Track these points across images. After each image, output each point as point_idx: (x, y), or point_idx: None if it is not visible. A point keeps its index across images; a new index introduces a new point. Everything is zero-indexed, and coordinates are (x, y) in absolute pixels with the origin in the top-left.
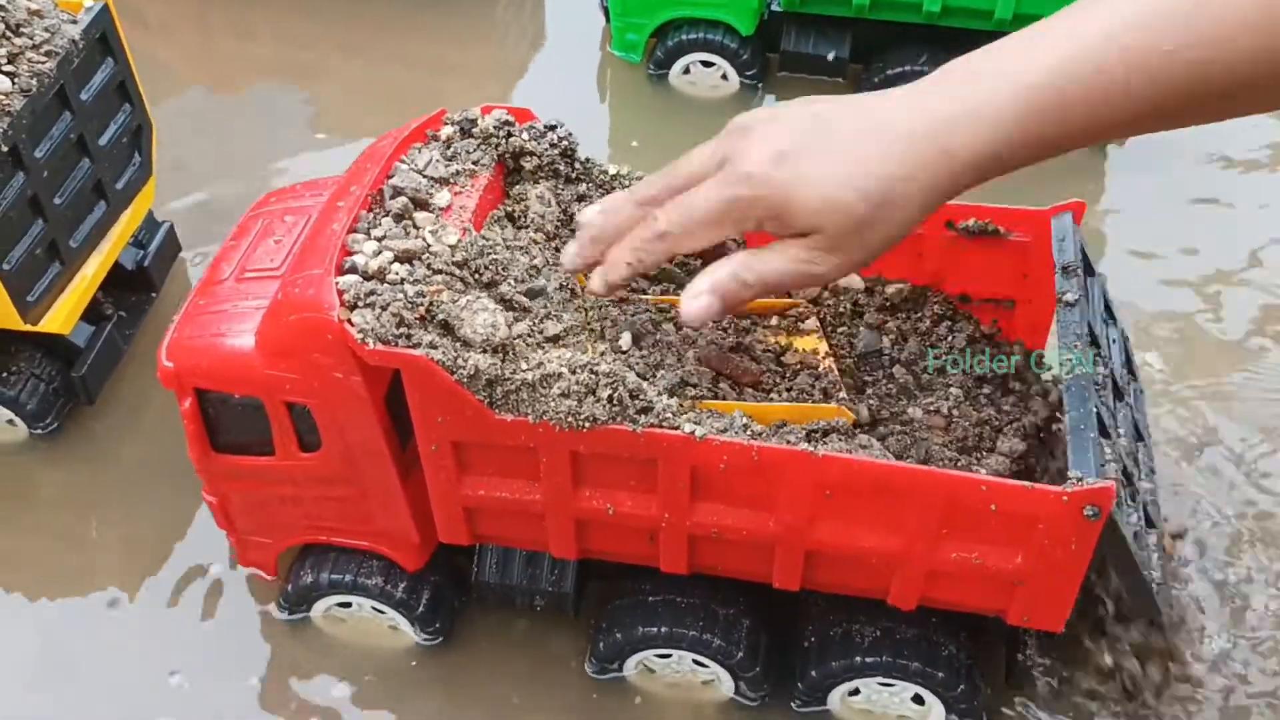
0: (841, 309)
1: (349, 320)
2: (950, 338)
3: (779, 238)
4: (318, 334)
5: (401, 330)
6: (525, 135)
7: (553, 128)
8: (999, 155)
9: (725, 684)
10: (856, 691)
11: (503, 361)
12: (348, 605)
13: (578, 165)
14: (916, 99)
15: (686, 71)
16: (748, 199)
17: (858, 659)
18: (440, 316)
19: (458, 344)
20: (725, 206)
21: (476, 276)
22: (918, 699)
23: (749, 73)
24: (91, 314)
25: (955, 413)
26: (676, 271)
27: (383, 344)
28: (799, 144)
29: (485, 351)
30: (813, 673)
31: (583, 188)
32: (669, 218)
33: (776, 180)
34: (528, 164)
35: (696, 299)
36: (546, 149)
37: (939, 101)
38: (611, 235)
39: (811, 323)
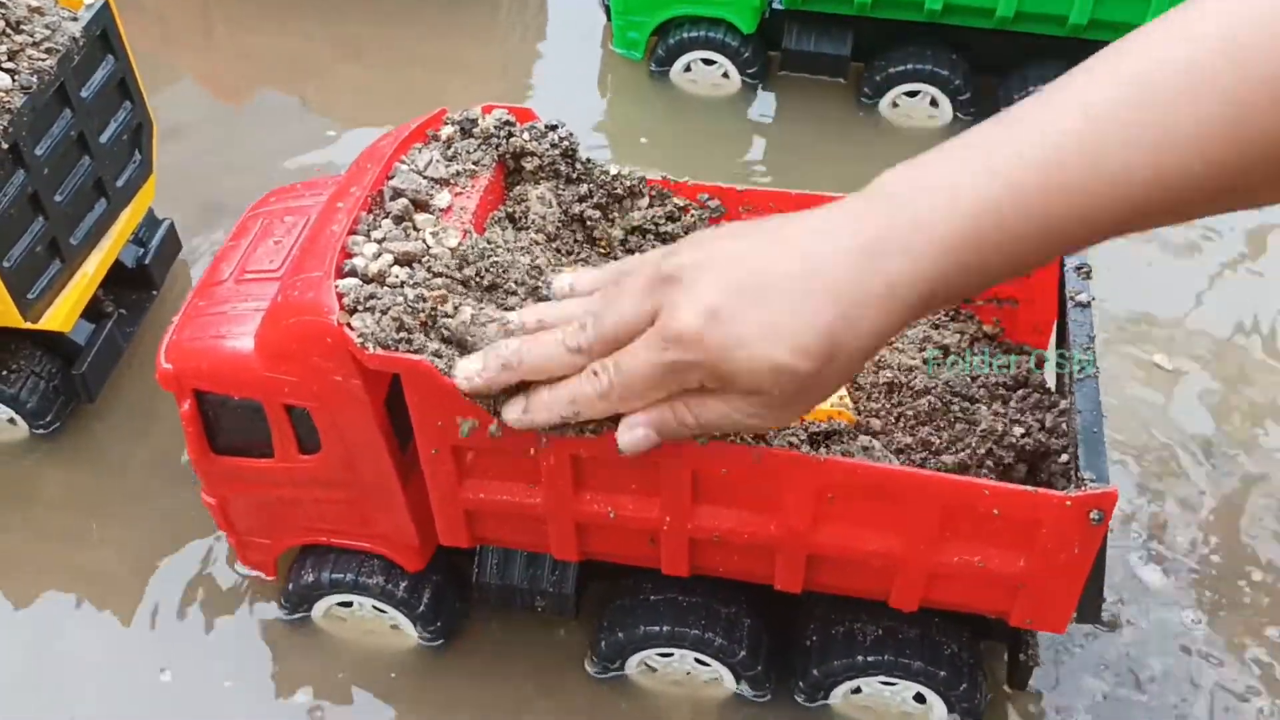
0: None
1: (349, 324)
2: (954, 338)
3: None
4: (317, 338)
5: (402, 335)
6: (526, 135)
7: (553, 128)
8: (949, 282)
9: (727, 682)
10: (859, 689)
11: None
12: (348, 605)
13: (578, 166)
14: (850, 226)
15: (688, 69)
16: (684, 363)
17: (860, 658)
18: (450, 335)
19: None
20: (663, 371)
21: (477, 280)
22: (919, 697)
23: (750, 71)
24: (92, 312)
25: (949, 415)
26: None
27: (383, 348)
28: (730, 300)
29: None
30: (815, 671)
31: (584, 188)
32: (610, 380)
33: (711, 344)
34: (528, 164)
35: (633, 430)
36: (547, 149)
37: (875, 229)
38: (529, 371)
39: None
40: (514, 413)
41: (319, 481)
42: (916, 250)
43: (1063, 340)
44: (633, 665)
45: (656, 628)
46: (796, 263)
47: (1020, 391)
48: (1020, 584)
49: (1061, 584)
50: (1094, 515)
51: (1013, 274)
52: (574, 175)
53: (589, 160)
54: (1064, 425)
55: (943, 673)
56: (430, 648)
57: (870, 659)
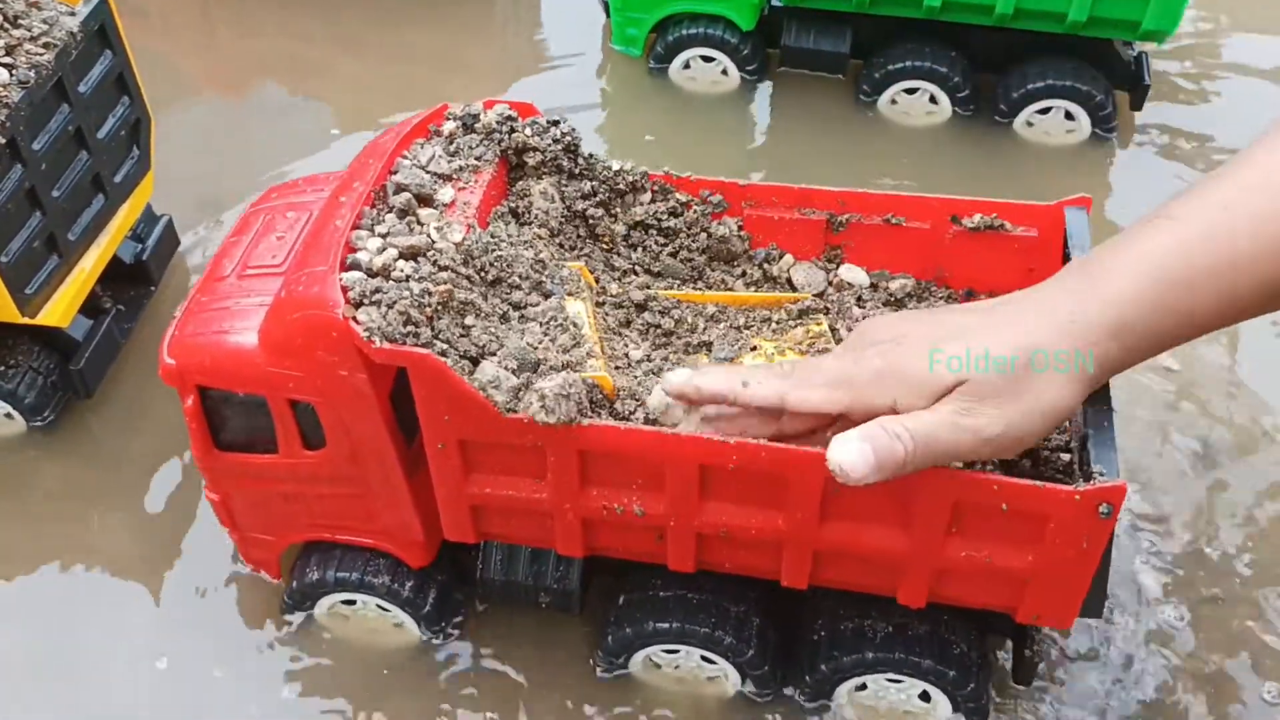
0: (845, 304)
1: (354, 318)
2: None
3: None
4: (322, 332)
5: (409, 328)
6: (528, 130)
7: (555, 123)
8: (1125, 328)
9: (732, 680)
10: (863, 687)
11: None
12: (352, 603)
13: (580, 161)
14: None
15: (687, 67)
16: (870, 371)
17: (869, 654)
18: (466, 349)
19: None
20: (848, 370)
21: (482, 275)
22: (924, 695)
23: (749, 68)
24: (90, 307)
25: None
26: (680, 267)
27: (389, 342)
28: (922, 329)
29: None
30: (823, 667)
31: (586, 185)
32: (790, 367)
33: (894, 358)
34: (530, 159)
35: (847, 446)
36: (549, 144)
37: (1068, 287)
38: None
39: (819, 328)
40: (680, 376)
41: (323, 477)
42: (1111, 290)
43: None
44: (637, 662)
45: (666, 624)
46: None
47: None
48: (1028, 579)
49: (1069, 579)
50: (1103, 509)
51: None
52: (576, 171)
53: (591, 155)
54: (1066, 423)
55: (952, 672)
56: (433, 646)
57: (880, 656)
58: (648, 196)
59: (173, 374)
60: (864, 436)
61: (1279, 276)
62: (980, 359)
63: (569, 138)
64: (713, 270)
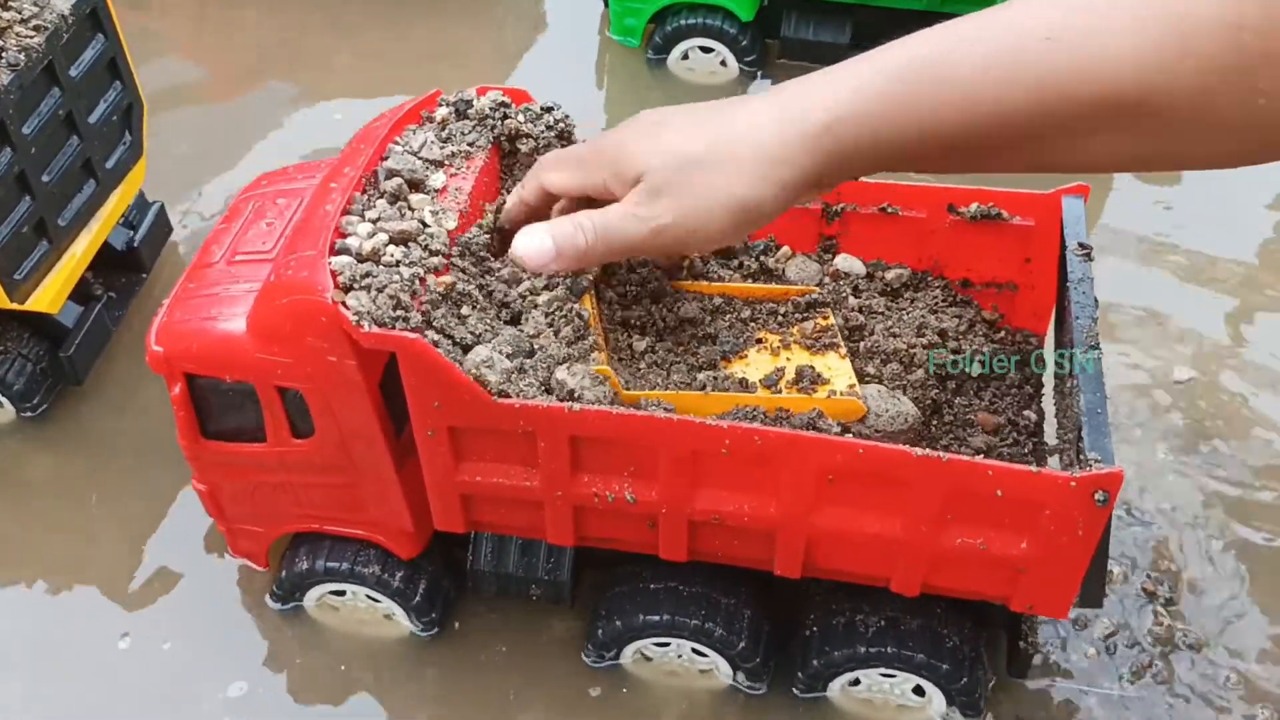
0: (841, 294)
1: (343, 303)
2: (952, 323)
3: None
4: (311, 317)
5: (398, 313)
6: (521, 117)
7: (549, 109)
8: (837, 130)
9: (723, 672)
10: (857, 681)
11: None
12: (341, 594)
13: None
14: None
15: (685, 57)
16: (594, 150)
17: (861, 649)
18: (461, 336)
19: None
20: (578, 157)
21: (480, 266)
22: (918, 690)
23: (748, 59)
24: (80, 294)
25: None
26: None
27: (379, 326)
28: (654, 120)
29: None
30: (815, 662)
31: None
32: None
33: (619, 138)
34: (523, 146)
35: (531, 235)
36: (543, 131)
37: (783, 95)
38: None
39: (826, 322)
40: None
41: (312, 466)
42: (821, 96)
43: (1062, 325)
44: (628, 655)
45: (656, 616)
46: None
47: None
48: (1022, 567)
49: (1064, 567)
50: (1099, 496)
51: (887, 158)
52: None
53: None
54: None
55: (945, 665)
56: (424, 638)
57: (872, 650)
58: None
59: (160, 361)
60: (548, 228)
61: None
62: (663, 152)
63: (562, 124)
64: (707, 264)
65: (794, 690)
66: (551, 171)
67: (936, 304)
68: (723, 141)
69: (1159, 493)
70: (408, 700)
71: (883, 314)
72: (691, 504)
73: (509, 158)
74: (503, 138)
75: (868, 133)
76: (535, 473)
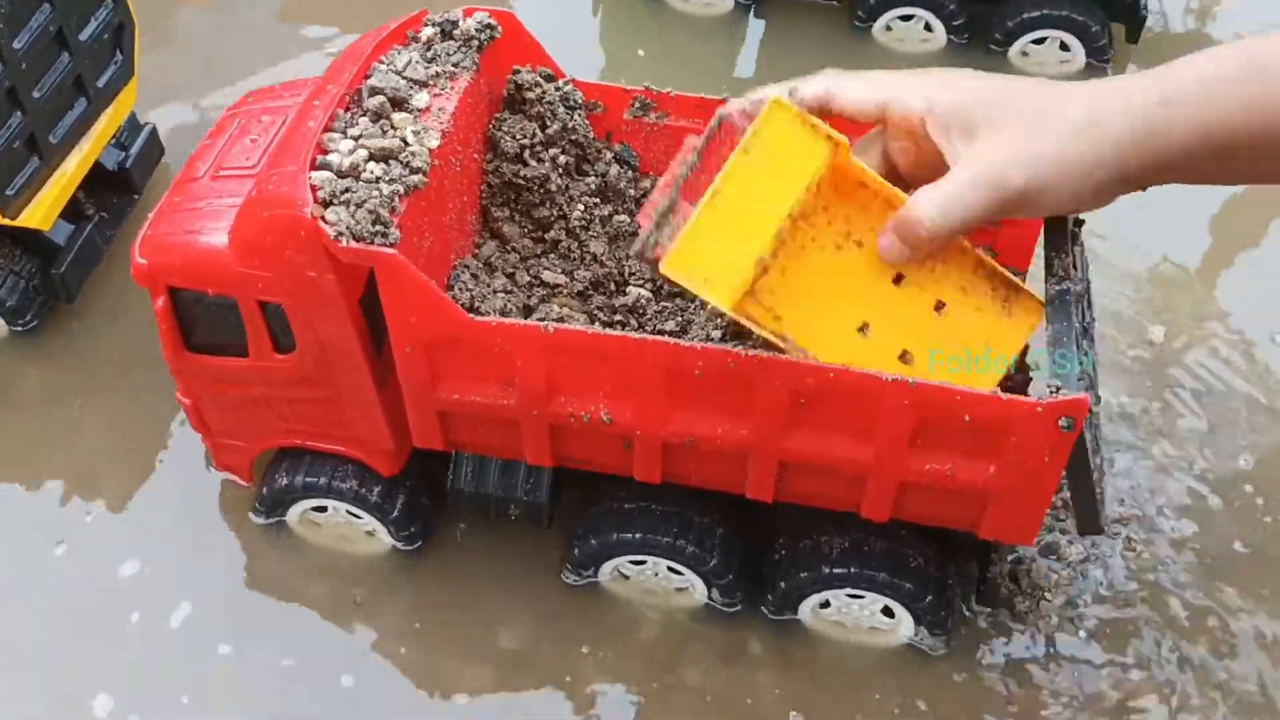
0: None
1: (323, 217)
2: None
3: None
4: (291, 231)
5: (377, 228)
6: (531, 76)
7: (551, 79)
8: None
9: (699, 591)
10: (827, 604)
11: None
12: (323, 510)
13: (570, 118)
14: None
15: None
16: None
17: (826, 570)
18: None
19: None
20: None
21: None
22: (888, 612)
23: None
24: (72, 213)
25: None
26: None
27: (357, 241)
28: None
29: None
30: (782, 584)
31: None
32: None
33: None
34: (530, 94)
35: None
36: (552, 91)
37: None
38: None
39: None
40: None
41: (294, 381)
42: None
43: (1049, 258)
44: (606, 572)
45: (630, 535)
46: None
47: None
48: (989, 494)
49: (1030, 494)
50: (1063, 422)
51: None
52: (557, 129)
53: (580, 111)
54: None
55: (908, 585)
56: (405, 554)
57: (836, 571)
58: (614, 169)
59: (144, 274)
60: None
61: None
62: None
63: (567, 92)
64: None
65: (765, 609)
66: (849, 89)
67: None
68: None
69: (1134, 424)
70: (389, 612)
71: None
72: (666, 426)
73: (520, 105)
74: (512, 86)
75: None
76: (512, 392)
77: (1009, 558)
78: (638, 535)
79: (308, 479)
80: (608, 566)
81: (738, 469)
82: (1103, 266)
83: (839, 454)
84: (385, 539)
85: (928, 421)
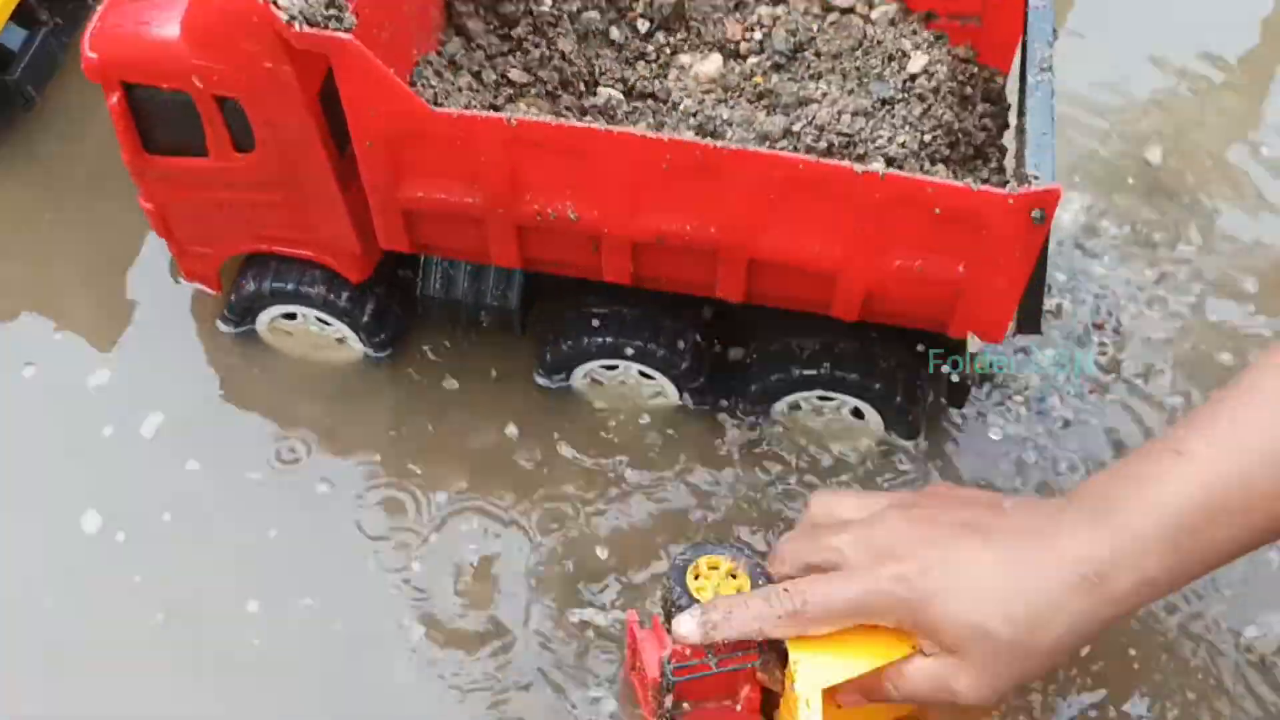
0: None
1: (274, 1)
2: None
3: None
4: (243, 17)
5: (331, 11)
6: None
7: None
8: (1149, 581)
9: (670, 394)
10: (798, 406)
11: None
12: (293, 317)
13: None
14: (1061, 528)
15: None
16: (895, 598)
17: (797, 372)
18: None
19: None
20: (867, 600)
21: None
22: (857, 413)
23: None
24: (24, 18)
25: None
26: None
27: (310, 26)
28: (952, 559)
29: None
30: (753, 387)
31: None
32: (810, 598)
33: (928, 588)
34: None
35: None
36: None
37: (1085, 532)
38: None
39: None
40: (689, 626)
41: (256, 183)
42: (1124, 549)
43: (1025, 55)
44: (579, 377)
45: (600, 339)
46: (1014, 548)
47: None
48: (959, 290)
49: (1000, 289)
50: (1036, 214)
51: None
52: None
53: None
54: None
55: (877, 385)
56: (378, 363)
57: (807, 373)
58: None
59: (95, 68)
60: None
61: None
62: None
63: None
64: None
65: (738, 413)
66: (818, 624)
67: (905, 33)
68: (1034, 617)
69: (1111, 230)
70: (363, 419)
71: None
72: (634, 223)
73: None
74: None
75: (1174, 573)
76: (477, 189)
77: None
78: (609, 340)
79: (275, 284)
80: (580, 371)
81: (708, 269)
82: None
83: (809, 251)
84: (357, 347)
85: (897, 215)
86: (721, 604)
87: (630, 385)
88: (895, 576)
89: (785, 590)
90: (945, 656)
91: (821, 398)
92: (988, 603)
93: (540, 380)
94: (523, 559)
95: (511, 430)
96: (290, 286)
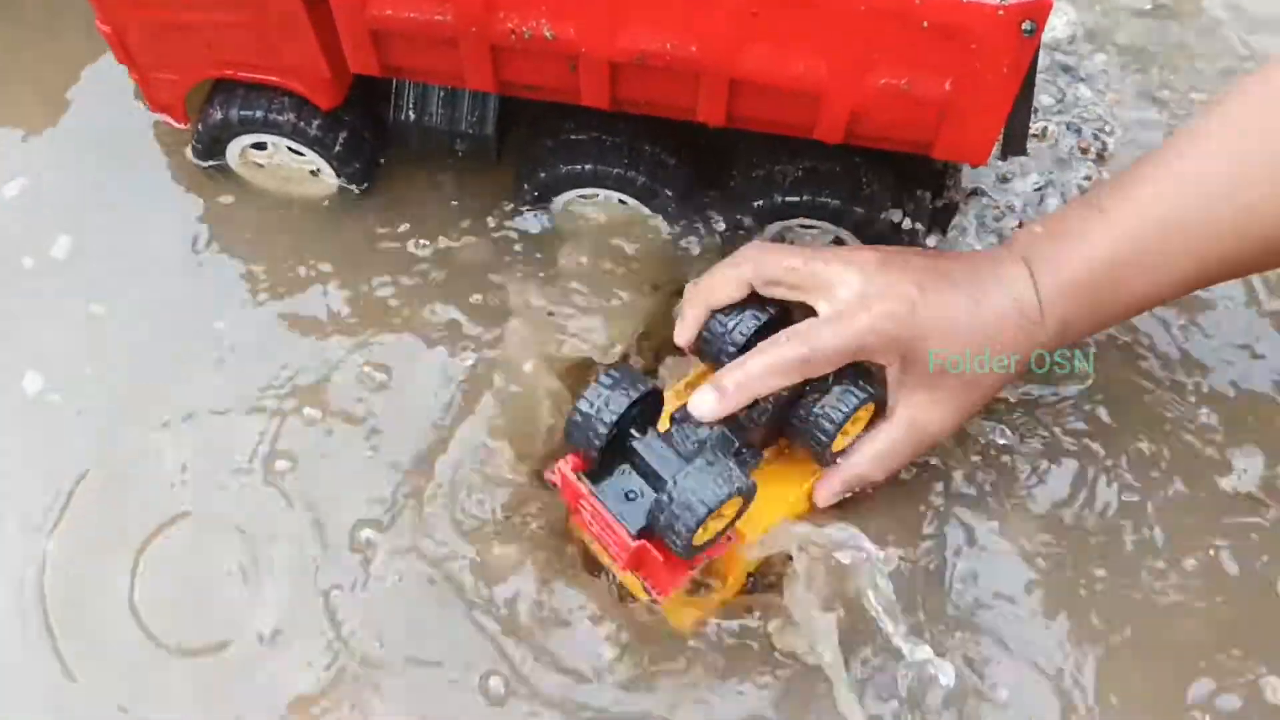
0: None
1: None
2: None
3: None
4: None
5: None
6: None
7: None
8: (1069, 324)
9: (651, 223)
10: (781, 237)
11: None
12: (263, 148)
13: None
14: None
15: None
16: (889, 336)
17: (779, 199)
18: None
19: None
20: (865, 339)
21: None
22: (838, 241)
23: None
24: None
25: None
26: None
27: None
28: (933, 299)
29: None
30: (737, 216)
31: None
32: (815, 344)
33: (918, 324)
34: None
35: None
36: None
37: (1021, 281)
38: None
39: None
40: (709, 404)
41: (217, 3)
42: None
43: None
44: (558, 206)
45: (579, 166)
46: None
47: None
48: (945, 109)
49: (987, 107)
50: (1026, 26)
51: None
52: None
53: None
54: None
55: (860, 210)
56: (351, 193)
57: (789, 200)
58: None
59: None
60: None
61: (1204, 270)
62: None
63: None
64: None
65: (722, 241)
66: (819, 366)
67: None
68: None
69: (1103, 54)
70: (335, 243)
71: None
72: (612, 42)
73: None
74: None
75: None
76: (448, 5)
77: (964, 187)
78: (588, 167)
79: (243, 112)
80: (559, 201)
81: (689, 91)
82: None
83: (792, 70)
84: (331, 179)
85: (884, 28)
86: (731, 370)
87: (610, 213)
88: (887, 314)
89: (788, 339)
90: (917, 398)
91: (804, 226)
92: (961, 338)
93: (520, 210)
94: None
95: (489, 257)
96: (259, 114)
